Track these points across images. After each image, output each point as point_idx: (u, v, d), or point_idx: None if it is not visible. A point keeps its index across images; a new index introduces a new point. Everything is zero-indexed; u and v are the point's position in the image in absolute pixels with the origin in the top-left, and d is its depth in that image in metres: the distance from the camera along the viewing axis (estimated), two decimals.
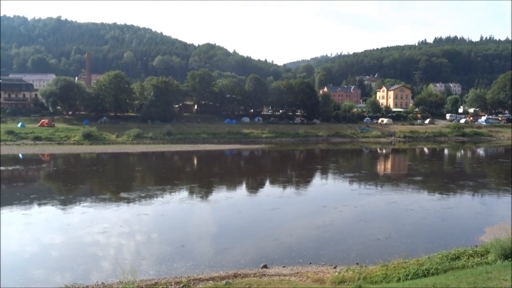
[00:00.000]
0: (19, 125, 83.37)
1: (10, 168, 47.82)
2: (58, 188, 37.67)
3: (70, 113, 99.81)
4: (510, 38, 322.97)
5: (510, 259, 13.36)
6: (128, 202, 30.46)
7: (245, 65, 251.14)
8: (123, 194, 33.69)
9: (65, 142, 75.47)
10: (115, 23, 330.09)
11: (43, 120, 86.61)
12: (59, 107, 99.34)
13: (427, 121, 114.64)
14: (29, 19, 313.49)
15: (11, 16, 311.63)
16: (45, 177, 43.38)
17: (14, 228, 23.83)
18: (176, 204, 30.23)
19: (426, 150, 79.03)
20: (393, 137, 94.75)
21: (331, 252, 19.32)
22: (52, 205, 29.57)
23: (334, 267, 17.02)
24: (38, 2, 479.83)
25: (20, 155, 60.58)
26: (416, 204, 30.17)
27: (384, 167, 57.12)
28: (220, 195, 33.66)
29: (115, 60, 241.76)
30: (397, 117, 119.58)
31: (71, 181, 40.73)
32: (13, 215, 26.74)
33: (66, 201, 31.01)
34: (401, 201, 31.30)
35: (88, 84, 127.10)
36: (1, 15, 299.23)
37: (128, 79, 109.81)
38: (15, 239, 21.92)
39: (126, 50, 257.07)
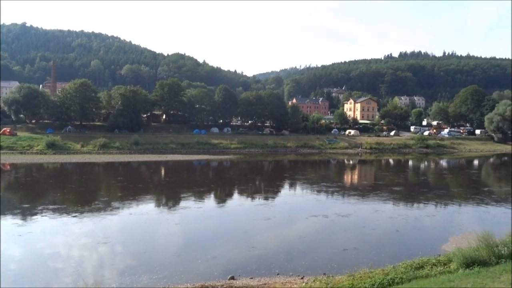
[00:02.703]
0: None
1: None
2: (18, 199, 36.19)
3: (34, 121, 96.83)
4: (471, 54, 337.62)
5: (471, 267, 13.72)
6: (91, 213, 29.59)
7: (214, 75, 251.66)
8: (86, 205, 32.73)
9: (27, 152, 73.04)
10: (82, 31, 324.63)
11: (5, 129, 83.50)
12: (22, 115, 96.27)
13: (392, 133, 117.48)
14: None
15: None
16: (6, 188, 41.65)
17: None
18: (141, 215, 29.56)
19: (391, 161, 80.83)
20: (360, 149, 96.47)
21: (299, 263, 19.31)
22: (12, 217, 28.37)
23: (302, 278, 17.01)
24: (1, 7, 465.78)
25: None
26: (383, 214, 30.70)
27: (352, 178, 57.96)
28: (188, 206, 33.17)
29: (81, 68, 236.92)
30: (364, 129, 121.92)
31: (32, 192, 39.23)
32: None
33: (26, 213, 29.79)
34: (368, 211, 31.76)
35: (53, 92, 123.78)
36: None
37: (95, 87, 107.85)
38: None
39: (94, 58, 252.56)
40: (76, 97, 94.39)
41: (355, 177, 59.13)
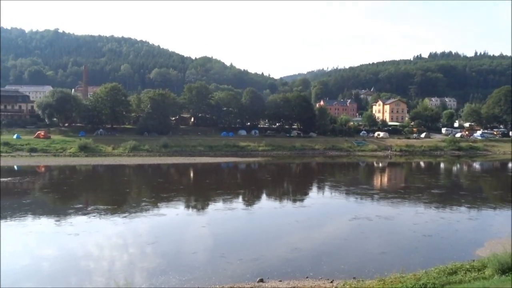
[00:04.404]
0: (14, 136, 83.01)
1: (5, 179, 47.46)
2: (52, 200, 37.37)
3: (66, 125, 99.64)
4: (504, 54, 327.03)
5: (507, 273, 13.27)
6: (123, 214, 30.20)
7: (242, 78, 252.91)
8: (118, 206, 33.52)
9: (60, 154, 75.11)
10: (112, 36, 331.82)
11: (39, 132, 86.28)
12: (55, 119, 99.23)
13: (423, 135, 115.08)
14: (26, 31, 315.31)
15: (9, 28, 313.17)
16: (40, 189, 43.01)
17: (7, 240, 23.53)
18: (171, 216, 30.00)
19: (422, 164, 79.13)
20: (389, 151, 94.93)
21: (328, 266, 19.14)
22: (46, 217, 29.29)
23: (331, 282, 16.84)
24: (35, 14, 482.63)
25: (15, 167, 60.19)
26: (414, 217, 30.08)
27: (381, 180, 57.09)
28: (217, 208, 33.45)
29: (112, 72, 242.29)
30: (393, 131, 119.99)
31: (66, 193, 40.40)
32: (6, 227, 26.43)
33: (60, 213, 30.70)
34: (398, 214, 31.21)
35: (84, 96, 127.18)
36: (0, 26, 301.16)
37: (125, 91, 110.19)
38: (8, 251, 21.62)
39: (124, 63, 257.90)
40: (107, 100, 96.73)
41: (385, 179, 58.22)
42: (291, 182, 52.95)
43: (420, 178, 57.49)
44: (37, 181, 48.59)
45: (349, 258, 20.51)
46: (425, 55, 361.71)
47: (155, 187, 44.61)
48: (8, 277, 17.77)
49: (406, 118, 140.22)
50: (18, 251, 21.79)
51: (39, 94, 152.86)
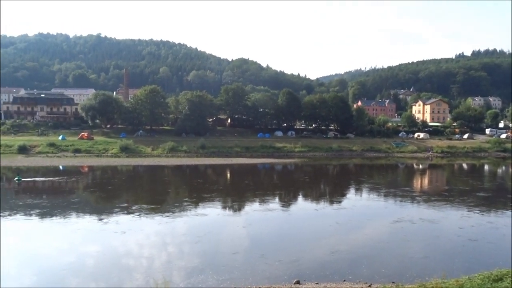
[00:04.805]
0: (60, 137, 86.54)
1: (52, 179, 49.71)
2: (99, 199, 38.73)
3: (108, 126, 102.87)
4: None
5: None
6: (166, 214, 30.91)
7: (278, 79, 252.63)
8: (161, 206, 34.38)
9: (103, 155, 77.58)
10: (151, 39, 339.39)
11: (83, 133, 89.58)
12: (98, 121, 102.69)
13: (465, 136, 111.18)
14: (71, 37, 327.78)
15: (54, 33, 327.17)
16: (86, 189, 44.65)
17: (52, 237, 24.62)
18: (213, 216, 30.39)
19: (465, 166, 76.41)
20: (430, 152, 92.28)
21: (368, 270, 18.82)
22: (93, 216, 30.36)
23: (369, 285, 16.57)
24: (79, 20, 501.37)
25: (61, 167, 62.73)
26: (459, 221, 29.07)
27: (423, 183, 55.58)
28: (254, 209, 33.63)
29: (151, 75, 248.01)
30: (434, 132, 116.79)
31: (110, 193, 41.79)
32: (52, 224, 27.66)
33: (106, 212, 31.78)
34: (443, 218, 30.26)
35: (125, 98, 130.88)
36: (45, 33, 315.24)
37: (163, 93, 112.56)
38: (54, 247, 22.63)
39: (162, 65, 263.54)
40: (146, 102, 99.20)
41: (427, 182, 56.64)
42: (329, 184, 52.44)
43: (464, 180, 55.56)
44: (82, 181, 50.46)
45: (390, 262, 20.11)
46: (468, 53, 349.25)
47: (196, 188, 45.35)
48: (55, 274, 18.57)
49: (448, 119, 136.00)
50: (65, 248, 22.69)
51: (83, 97, 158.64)
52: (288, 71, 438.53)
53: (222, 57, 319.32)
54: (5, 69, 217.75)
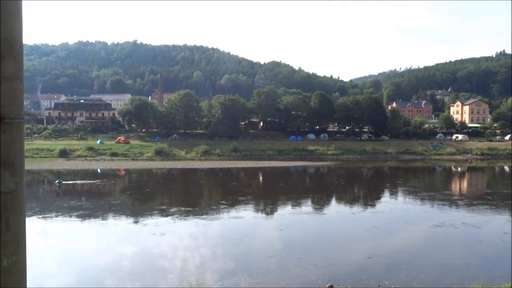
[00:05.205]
0: (98, 142, 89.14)
1: (92, 181, 51.38)
2: (138, 202, 39.69)
3: (144, 130, 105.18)
4: None
5: None
6: (203, 216, 31.25)
7: (310, 81, 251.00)
8: (199, 209, 34.85)
9: (138, 158, 79.36)
10: (185, 45, 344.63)
11: (120, 137, 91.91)
12: (134, 125, 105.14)
13: (507, 137, 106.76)
14: (108, 44, 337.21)
15: (93, 41, 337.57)
16: (125, 191, 45.81)
17: (94, 238, 25.35)
18: (246, 219, 30.44)
19: (507, 168, 73.42)
20: (469, 155, 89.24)
21: (406, 275, 18.31)
22: (134, 217, 31.09)
23: None
24: (116, 28, 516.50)
25: (99, 170, 64.61)
26: (504, 226, 27.85)
27: (463, 186, 53.82)
28: (287, 212, 33.51)
29: (185, 79, 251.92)
30: (473, 133, 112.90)
31: (149, 195, 42.70)
32: (99, 225, 28.54)
33: (141, 214, 32.50)
34: (486, 222, 29.11)
35: (160, 103, 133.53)
36: (85, 41, 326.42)
37: (197, 97, 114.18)
38: (92, 248, 23.28)
39: (196, 70, 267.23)
40: (180, 107, 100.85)
41: (467, 185, 54.83)
42: (365, 187, 51.60)
43: (506, 183, 53.35)
44: (120, 184, 51.82)
45: (424, 267, 19.49)
46: (509, 51, 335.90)
47: (231, 191, 45.64)
48: (95, 273, 19.09)
49: (488, 119, 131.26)
50: (104, 249, 23.35)
51: (120, 102, 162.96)
52: (320, 73, 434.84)
53: (254, 61, 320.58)
54: (47, 77, 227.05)
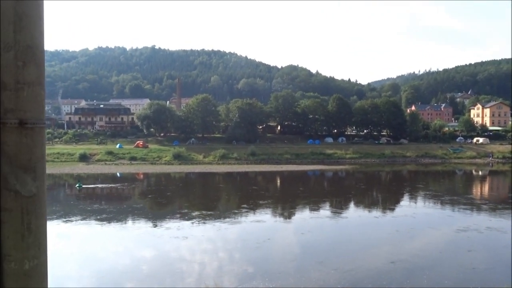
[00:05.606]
0: (117, 146, 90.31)
1: (113, 185, 52.08)
2: (156, 205, 40.08)
3: (162, 134, 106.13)
4: None
5: None
6: (225, 220, 31.35)
7: (328, 85, 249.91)
8: (220, 212, 34.95)
9: (157, 162, 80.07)
10: (203, 49, 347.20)
11: (138, 142, 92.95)
12: (152, 129, 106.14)
13: None
14: (127, 49, 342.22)
15: (112, 47, 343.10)
16: (146, 195, 46.30)
17: (112, 242, 25.64)
18: (267, 223, 30.40)
19: None
20: (490, 158, 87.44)
21: (429, 280, 17.98)
22: (145, 221, 31.36)
23: None
24: (135, 33, 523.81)
25: (118, 174, 65.43)
26: None
27: (485, 190, 52.73)
28: (305, 216, 33.33)
29: (203, 84, 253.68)
30: (494, 137, 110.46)
31: (170, 199, 43.16)
32: (122, 229, 28.90)
33: (163, 217, 32.83)
34: (505, 227, 28.37)
35: (178, 107, 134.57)
36: (104, 46, 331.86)
37: (214, 102, 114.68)
38: (113, 251, 23.55)
39: (213, 74, 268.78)
40: (198, 111, 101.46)
41: (489, 189, 53.68)
42: (385, 191, 50.98)
43: None
44: (140, 188, 52.42)
45: (445, 273, 19.12)
46: None
47: (250, 195, 45.63)
48: (115, 276, 19.30)
49: (510, 122, 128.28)
50: (125, 252, 23.60)
51: (139, 106, 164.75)
52: (338, 76, 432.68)
53: (271, 65, 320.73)
54: (67, 82, 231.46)
